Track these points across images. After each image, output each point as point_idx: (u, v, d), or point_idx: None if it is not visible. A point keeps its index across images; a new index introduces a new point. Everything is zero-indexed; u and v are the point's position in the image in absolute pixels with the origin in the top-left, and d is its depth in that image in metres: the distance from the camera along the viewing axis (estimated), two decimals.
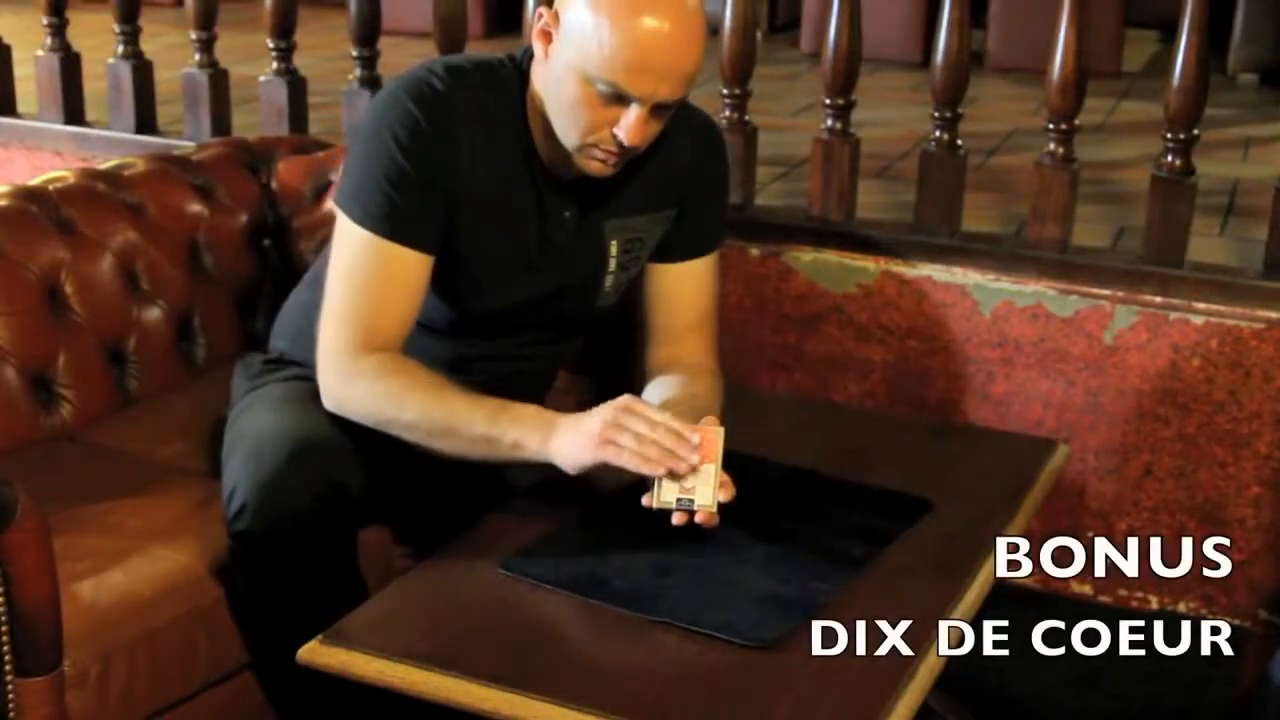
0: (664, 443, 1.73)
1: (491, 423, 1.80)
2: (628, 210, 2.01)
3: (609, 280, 2.05)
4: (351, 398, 1.87)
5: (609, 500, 1.86)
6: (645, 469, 1.74)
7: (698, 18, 1.81)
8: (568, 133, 1.85)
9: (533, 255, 1.98)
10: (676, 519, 1.76)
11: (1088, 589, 2.68)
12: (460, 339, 2.04)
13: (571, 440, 1.76)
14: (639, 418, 1.75)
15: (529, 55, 1.92)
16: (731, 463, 1.80)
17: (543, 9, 1.86)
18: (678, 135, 2.01)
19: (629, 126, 1.80)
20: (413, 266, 1.89)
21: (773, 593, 1.70)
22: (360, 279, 1.88)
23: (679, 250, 2.08)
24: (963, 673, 1.86)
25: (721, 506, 1.77)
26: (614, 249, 2.02)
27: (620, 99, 1.79)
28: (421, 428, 1.83)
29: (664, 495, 1.76)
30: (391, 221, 1.87)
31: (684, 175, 2.04)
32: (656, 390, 2.01)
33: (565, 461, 1.78)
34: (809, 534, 1.85)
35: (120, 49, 3.33)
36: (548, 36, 1.85)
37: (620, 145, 1.82)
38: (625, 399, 1.77)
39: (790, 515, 1.90)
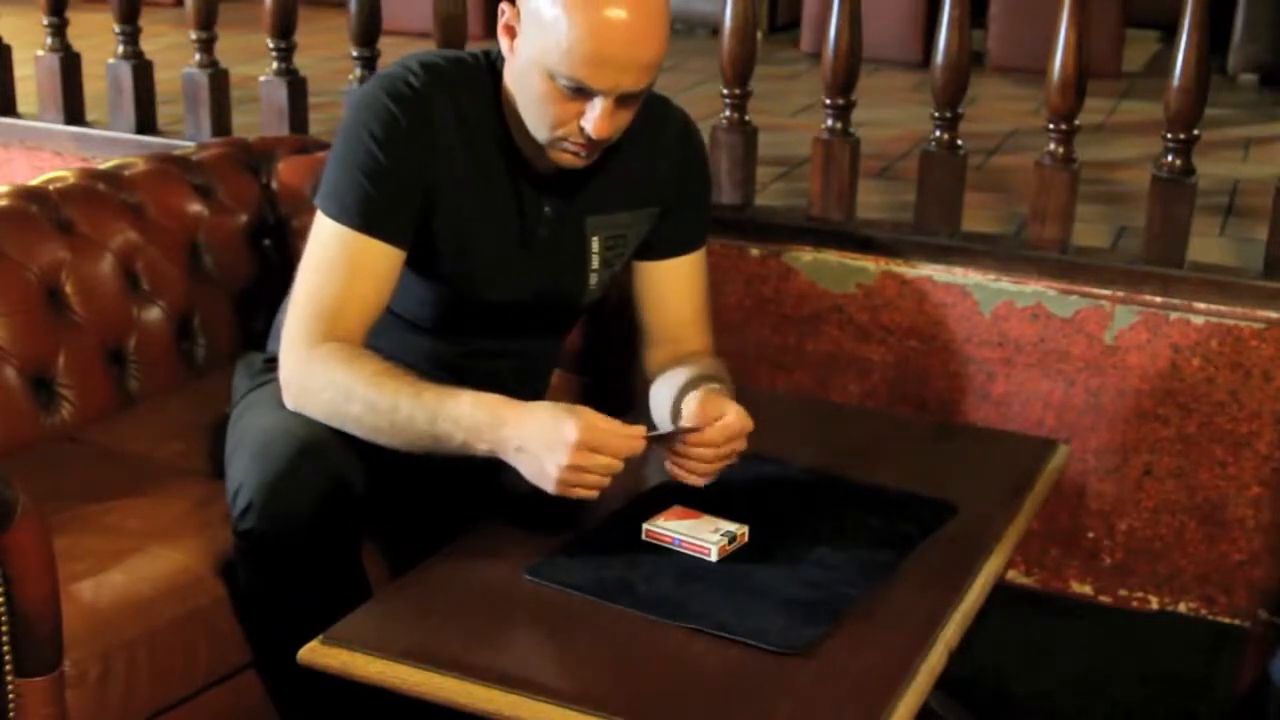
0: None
1: (432, 423, 1.76)
2: (609, 207, 2.01)
3: (593, 278, 2.05)
4: (309, 387, 1.84)
5: (634, 505, 1.86)
6: None
7: (657, 4, 1.79)
8: (537, 128, 1.86)
9: (515, 251, 1.98)
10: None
11: (1088, 589, 2.68)
12: (448, 337, 2.04)
13: (528, 470, 1.73)
14: (601, 456, 1.70)
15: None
16: (753, 465, 1.81)
17: (505, 4, 1.86)
18: (659, 133, 2.02)
19: (595, 120, 1.80)
20: (382, 259, 1.89)
21: (800, 598, 1.69)
22: (328, 270, 1.88)
23: (667, 248, 2.09)
24: (963, 673, 1.86)
25: (743, 506, 1.80)
26: (596, 245, 2.02)
27: (584, 92, 1.79)
28: (367, 422, 1.80)
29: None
30: (364, 215, 1.87)
31: (667, 174, 2.05)
32: (663, 391, 2.01)
33: (527, 480, 1.75)
34: (835, 538, 1.85)
35: (120, 49, 3.33)
36: (511, 32, 1.85)
37: (589, 138, 1.82)
38: (580, 435, 1.68)
39: (815, 519, 1.89)
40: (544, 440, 1.70)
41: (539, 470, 1.72)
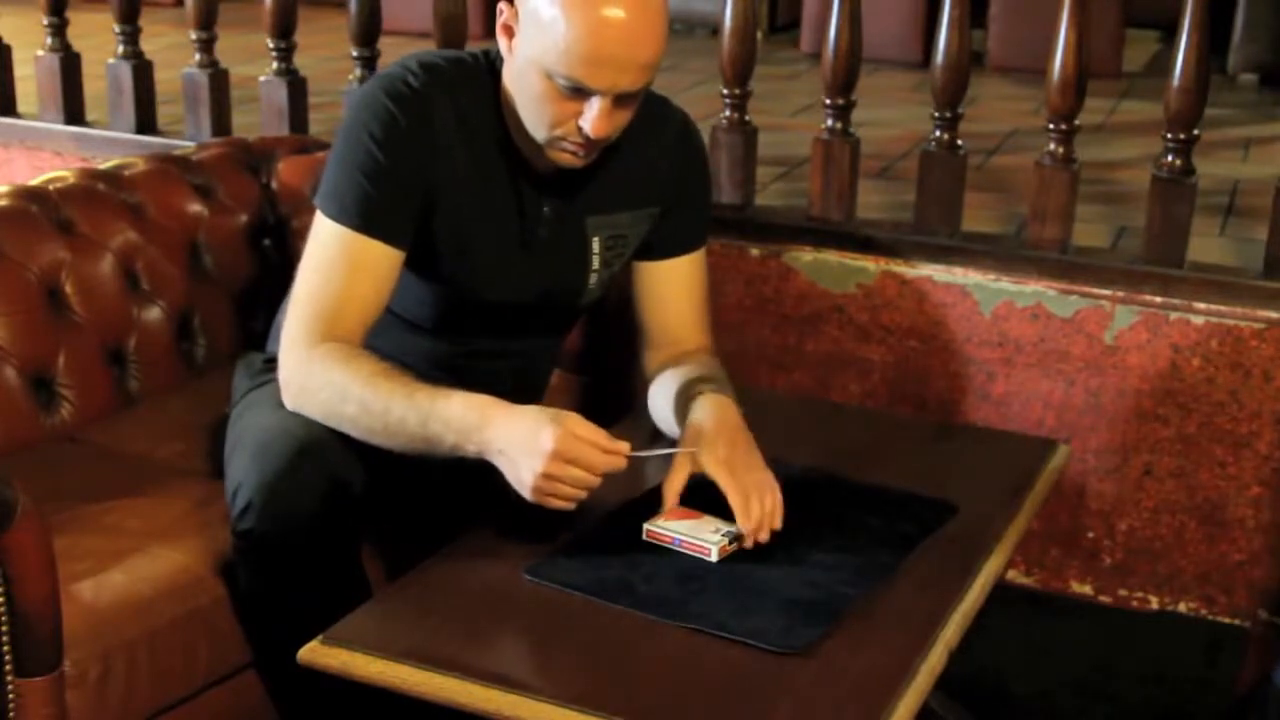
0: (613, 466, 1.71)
1: (423, 424, 1.76)
2: (609, 207, 2.02)
3: (593, 278, 2.06)
4: (307, 387, 1.84)
5: (634, 505, 1.86)
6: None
7: (655, 4, 1.79)
8: (535, 127, 1.86)
9: (514, 251, 1.99)
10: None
11: (1088, 589, 2.68)
12: (449, 337, 2.05)
13: (508, 474, 1.72)
14: (576, 469, 1.68)
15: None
16: None
17: (503, 4, 1.86)
18: (659, 133, 2.02)
19: (593, 119, 1.80)
20: (382, 259, 1.89)
21: (800, 598, 1.69)
22: (327, 270, 1.88)
23: (667, 248, 2.09)
24: (963, 673, 1.86)
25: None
26: (596, 246, 2.03)
27: (582, 92, 1.79)
28: (362, 423, 1.80)
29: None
30: (364, 215, 1.87)
31: (667, 173, 2.05)
32: (661, 392, 2.02)
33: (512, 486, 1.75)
34: (835, 539, 1.84)
35: (120, 49, 3.33)
36: (509, 32, 1.85)
37: (587, 137, 1.82)
38: (555, 445, 1.67)
39: (815, 519, 1.88)
40: (522, 446, 1.70)
41: (516, 476, 1.72)
